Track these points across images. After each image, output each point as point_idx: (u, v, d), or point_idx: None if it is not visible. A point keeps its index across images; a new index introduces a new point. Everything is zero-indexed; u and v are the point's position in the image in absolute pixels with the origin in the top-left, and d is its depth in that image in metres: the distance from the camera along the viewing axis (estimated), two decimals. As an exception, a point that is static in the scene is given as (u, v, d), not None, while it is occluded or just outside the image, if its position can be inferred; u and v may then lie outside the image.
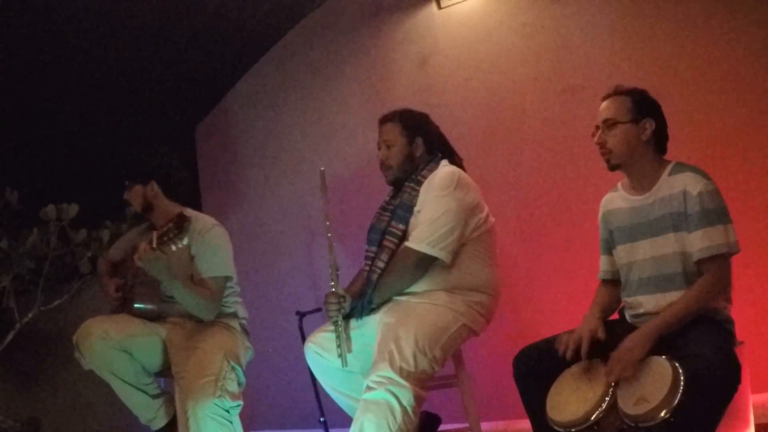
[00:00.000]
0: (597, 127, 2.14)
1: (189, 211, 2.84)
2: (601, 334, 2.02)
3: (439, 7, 3.60)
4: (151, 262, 2.48)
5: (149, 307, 2.73)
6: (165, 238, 2.47)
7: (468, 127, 3.47)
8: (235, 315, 2.85)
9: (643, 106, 2.10)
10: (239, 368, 2.66)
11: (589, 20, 3.23)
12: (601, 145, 2.12)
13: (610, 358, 1.92)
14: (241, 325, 2.86)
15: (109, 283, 2.85)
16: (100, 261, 3.08)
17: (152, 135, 3.96)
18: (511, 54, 3.41)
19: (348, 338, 2.42)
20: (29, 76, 3.42)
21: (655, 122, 2.09)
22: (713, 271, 1.94)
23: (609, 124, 2.10)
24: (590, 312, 2.15)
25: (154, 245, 2.47)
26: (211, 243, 2.75)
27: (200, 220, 2.81)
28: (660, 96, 2.17)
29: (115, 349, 2.56)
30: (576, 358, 2.02)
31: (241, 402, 2.60)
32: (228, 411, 2.53)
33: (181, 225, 2.47)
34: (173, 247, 2.46)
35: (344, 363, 2.38)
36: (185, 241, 2.46)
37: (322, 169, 2.59)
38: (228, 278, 2.77)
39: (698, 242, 1.95)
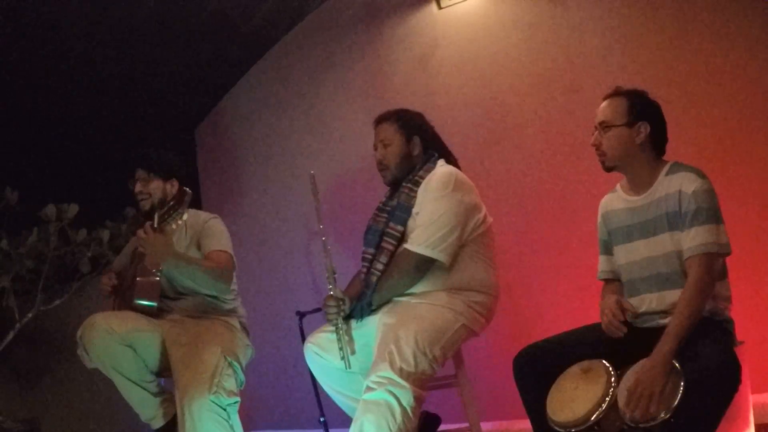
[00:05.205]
0: (596, 128, 2.14)
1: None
2: (625, 303, 2.06)
3: (439, 7, 3.60)
4: (153, 243, 2.51)
5: (150, 303, 2.73)
6: (166, 216, 2.53)
7: (468, 127, 3.47)
8: (234, 312, 2.86)
9: (639, 108, 2.09)
10: (237, 365, 2.65)
11: (589, 20, 3.23)
12: (596, 147, 2.13)
13: (633, 388, 1.82)
14: (241, 323, 2.86)
15: (105, 273, 2.92)
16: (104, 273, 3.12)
17: (152, 135, 3.96)
18: (512, 54, 3.41)
19: (351, 340, 2.42)
20: (29, 76, 3.42)
21: (652, 124, 2.09)
22: (695, 270, 1.91)
23: (604, 126, 2.11)
24: (605, 294, 2.17)
25: (156, 225, 2.53)
26: (215, 228, 2.81)
27: (201, 214, 2.89)
28: (660, 96, 2.17)
29: (119, 343, 2.55)
30: (578, 357, 2.03)
31: (238, 399, 2.58)
32: (225, 409, 2.52)
33: (181, 199, 2.56)
34: (173, 225, 2.52)
35: (347, 365, 2.38)
36: (185, 217, 2.50)
37: (312, 172, 2.60)
38: (233, 259, 2.78)
39: (689, 240, 1.94)
